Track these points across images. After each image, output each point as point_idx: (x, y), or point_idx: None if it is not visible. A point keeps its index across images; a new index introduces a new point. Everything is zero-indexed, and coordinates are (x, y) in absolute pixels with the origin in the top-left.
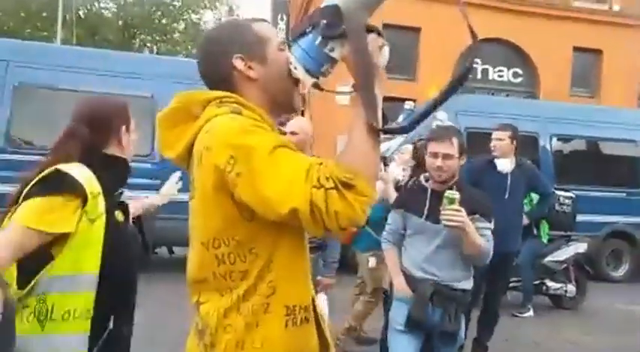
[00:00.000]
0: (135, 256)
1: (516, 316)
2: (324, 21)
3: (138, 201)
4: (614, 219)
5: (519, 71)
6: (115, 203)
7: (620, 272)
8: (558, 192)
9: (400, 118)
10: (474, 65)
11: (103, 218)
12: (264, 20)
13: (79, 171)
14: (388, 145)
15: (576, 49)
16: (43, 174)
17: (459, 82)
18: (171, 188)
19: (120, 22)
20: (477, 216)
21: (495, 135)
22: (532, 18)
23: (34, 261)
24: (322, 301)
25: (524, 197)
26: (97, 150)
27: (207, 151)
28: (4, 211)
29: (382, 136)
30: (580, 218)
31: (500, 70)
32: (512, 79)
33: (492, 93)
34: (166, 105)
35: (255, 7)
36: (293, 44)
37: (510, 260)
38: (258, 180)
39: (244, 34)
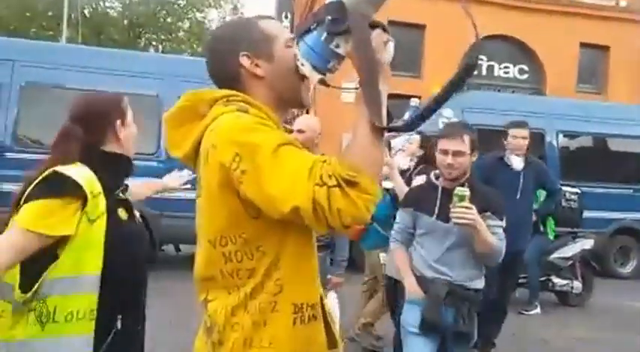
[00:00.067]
0: (141, 254)
1: (523, 313)
2: (329, 17)
3: (148, 184)
4: (622, 216)
5: (525, 68)
6: (117, 201)
7: (628, 268)
8: (564, 188)
9: (406, 116)
10: (479, 62)
11: (104, 217)
12: (271, 18)
13: (79, 172)
14: (395, 142)
15: (583, 45)
16: (42, 176)
17: (463, 78)
18: (175, 180)
19: (125, 21)
20: (489, 213)
21: (517, 133)
22: (538, 14)
23: (38, 264)
24: (332, 299)
25: (534, 194)
26: (95, 148)
27: (213, 149)
28: (8, 211)
29: (387, 134)
30: (587, 214)
31: (506, 67)
32: (518, 76)
33: (498, 90)
34: (172, 104)
35: (259, 5)
36: (299, 41)
37: (520, 258)
38: (262, 177)
39: (251, 31)
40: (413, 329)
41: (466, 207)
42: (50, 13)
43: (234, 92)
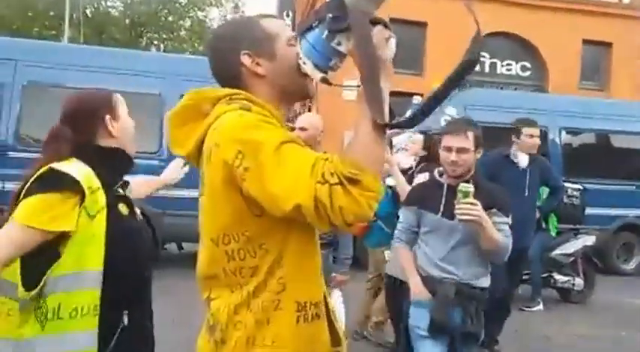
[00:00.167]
0: (143, 249)
1: (525, 310)
2: (330, 14)
3: (148, 183)
4: (625, 212)
5: (528, 65)
6: (117, 197)
7: (631, 265)
8: (566, 185)
9: (408, 113)
10: (482, 59)
11: (104, 213)
12: (273, 16)
13: (76, 167)
14: (397, 140)
15: (585, 41)
16: (38, 173)
17: (463, 74)
18: (174, 172)
19: (127, 21)
20: (494, 210)
21: (533, 131)
22: (540, 11)
23: (41, 261)
24: (337, 298)
25: (538, 191)
26: (89, 144)
27: (216, 147)
28: (8, 210)
29: (390, 131)
30: (591, 211)
31: (508, 64)
32: (520, 73)
33: (501, 88)
34: (174, 103)
35: (260, 3)
36: (301, 39)
37: (525, 255)
38: (265, 175)
39: (252, 30)
40: (422, 331)
41: (471, 203)
42: (52, 13)
43: (237, 90)
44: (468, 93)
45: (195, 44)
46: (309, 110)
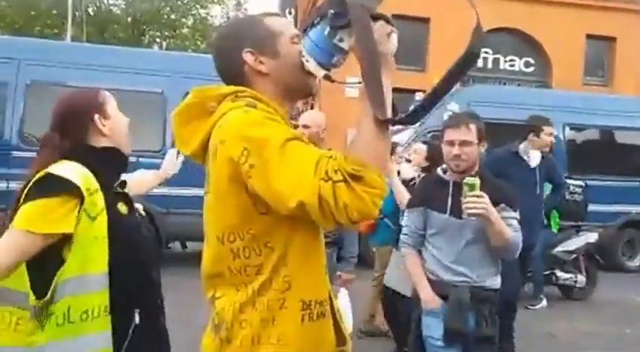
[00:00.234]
0: (145, 246)
1: (529, 308)
2: (331, 11)
3: (147, 178)
4: (629, 209)
5: (531, 60)
6: (115, 195)
7: (636, 262)
8: (569, 181)
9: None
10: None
11: (105, 214)
12: (277, 14)
13: (73, 170)
14: (399, 137)
15: (589, 36)
16: (36, 178)
17: (464, 67)
18: (170, 164)
19: (129, 19)
20: (503, 205)
21: (550, 130)
22: (544, 6)
23: (47, 268)
24: (343, 296)
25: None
26: (82, 145)
27: (222, 145)
28: (9, 213)
29: (393, 127)
30: (595, 208)
31: (511, 60)
32: (524, 69)
33: (504, 83)
34: (177, 101)
35: (262, 1)
36: (303, 36)
37: (531, 253)
38: (269, 172)
39: (255, 28)
40: (437, 342)
41: (477, 196)
42: (54, 12)
43: (241, 88)
44: (471, 90)
45: (198, 42)
46: (312, 108)
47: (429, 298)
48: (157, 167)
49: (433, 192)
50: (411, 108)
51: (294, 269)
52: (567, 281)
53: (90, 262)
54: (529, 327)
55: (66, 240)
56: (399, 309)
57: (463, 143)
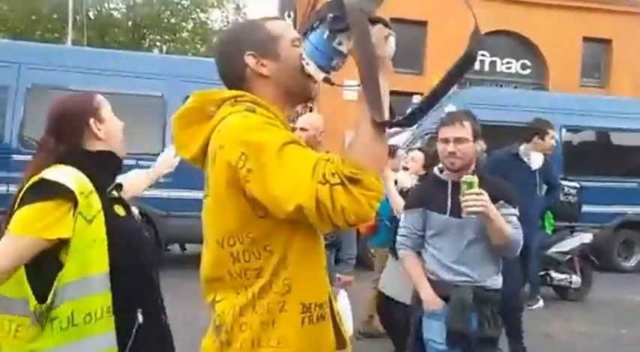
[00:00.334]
0: (145, 248)
1: (526, 309)
2: (331, 14)
3: (143, 176)
4: (625, 210)
5: (528, 63)
6: (112, 199)
7: (632, 262)
8: (563, 182)
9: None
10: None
11: (101, 216)
12: (278, 18)
13: (67, 173)
14: (397, 140)
15: (586, 39)
16: (30, 183)
17: (462, 70)
18: (166, 162)
19: (129, 23)
20: (502, 202)
21: (554, 133)
22: (540, 8)
23: (46, 273)
24: (342, 298)
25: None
26: (77, 149)
27: (221, 149)
28: (5, 217)
29: (391, 130)
30: (591, 208)
31: (508, 62)
32: (520, 71)
33: (501, 86)
34: (176, 105)
35: (262, 4)
36: (303, 39)
37: (529, 253)
38: (267, 177)
39: (256, 32)
40: (439, 345)
41: (476, 194)
42: (55, 16)
43: (241, 92)
44: (468, 92)
45: (198, 46)
46: (311, 110)
47: (431, 299)
48: None
49: (432, 192)
50: (409, 110)
51: (294, 272)
52: (562, 282)
53: (89, 265)
54: (525, 327)
55: (62, 243)
56: (394, 315)
57: (458, 140)
